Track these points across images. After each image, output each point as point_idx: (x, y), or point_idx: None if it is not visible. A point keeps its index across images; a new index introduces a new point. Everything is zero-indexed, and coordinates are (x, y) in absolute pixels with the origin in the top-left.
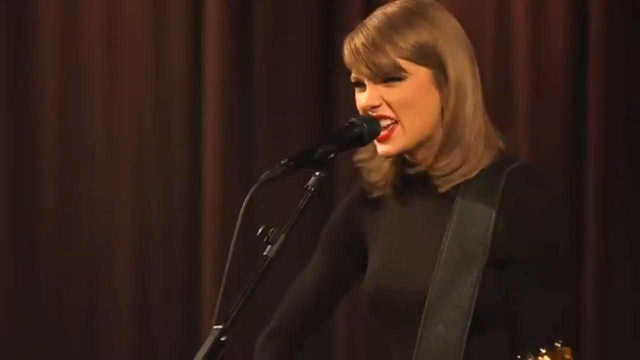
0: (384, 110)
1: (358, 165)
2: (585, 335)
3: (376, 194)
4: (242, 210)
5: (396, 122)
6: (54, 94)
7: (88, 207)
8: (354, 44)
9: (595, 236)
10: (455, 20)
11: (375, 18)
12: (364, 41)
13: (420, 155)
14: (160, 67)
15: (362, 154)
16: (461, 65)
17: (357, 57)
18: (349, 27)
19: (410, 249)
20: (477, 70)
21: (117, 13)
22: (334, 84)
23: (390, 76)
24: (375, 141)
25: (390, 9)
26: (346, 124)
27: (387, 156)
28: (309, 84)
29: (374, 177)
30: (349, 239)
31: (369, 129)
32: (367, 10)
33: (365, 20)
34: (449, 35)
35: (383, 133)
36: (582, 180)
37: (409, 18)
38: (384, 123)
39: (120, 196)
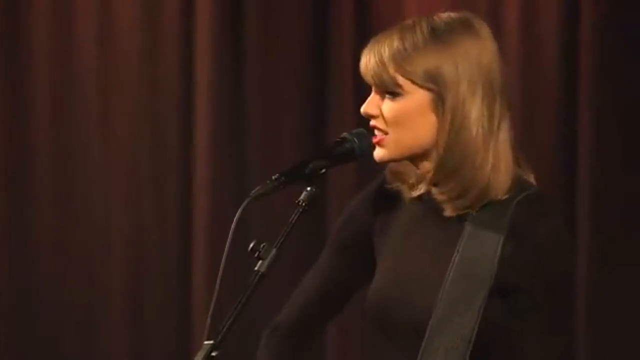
0: (378, 123)
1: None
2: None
3: (396, 185)
4: (233, 226)
5: (387, 134)
6: (47, 96)
7: (83, 219)
8: (367, 54)
9: (588, 237)
10: (486, 47)
11: (396, 32)
12: (375, 54)
13: (422, 169)
14: (152, 72)
15: None
16: (464, 96)
17: (366, 67)
18: (341, 29)
19: (417, 269)
20: (498, 100)
21: (109, 15)
22: (327, 88)
23: (389, 90)
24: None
25: (416, 24)
26: (337, 139)
27: (380, 161)
28: (301, 88)
29: (401, 168)
30: (359, 240)
31: (360, 144)
32: (360, 11)
33: (390, 31)
34: (462, 65)
35: (375, 139)
36: (575, 181)
37: (425, 41)
38: (376, 133)
39: (114, 212)
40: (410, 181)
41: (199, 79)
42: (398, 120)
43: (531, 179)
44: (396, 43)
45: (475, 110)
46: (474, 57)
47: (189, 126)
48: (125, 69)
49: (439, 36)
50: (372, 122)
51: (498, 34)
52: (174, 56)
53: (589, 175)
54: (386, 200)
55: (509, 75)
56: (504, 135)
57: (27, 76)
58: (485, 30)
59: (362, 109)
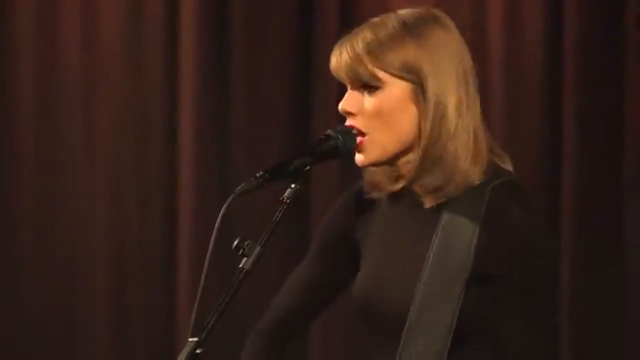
0: (357, 122)
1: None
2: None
3: (374, 194)
4: (217, 222)
5: (365, 135)
6: (30, 96)
7: (65, 221)
8: (339, 51)
9: (570, 235)
10: (452, 35)
11: (366, 28)
12: (347, 49)
13: (401, 170)
14: (137, 82)
15: None
16: (443, 84)
17: (338, 63)
18: (326, 30)
19: (397, 261)
20: (471, 88)
21: (93, 13)
22: (311, 88)
23: (367, 84)
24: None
25: (384, 19)
26: (322, 136)
27: (362, 166)
28: (285, 88)
29: (377, 178)
30: (343, 242)
31: (345, 141)
32: (344, 12)
33: (357, 30)
34: (435, 54)
35: (358, 141)
36: (559, 183)
37: (398, 33)
38: (357, 138)
39: (98, 212)
40: (388, 188)
41: (183, 78)
42: (380, 114)
43: (507, 163)
44: (369, 36)
45: (453, 98)
46: (447, 47)
47: (173, 125)
48: (109, 68)
49: (410, 29)
50: (350, 122)
51: (482, 34)
52: (159, 56)
53: (573, 178)
54: (365, 202)
55: (491, 77)
56: (478, 120)
57: (11, 75)
58: (451, 22)
59: (340, 106)
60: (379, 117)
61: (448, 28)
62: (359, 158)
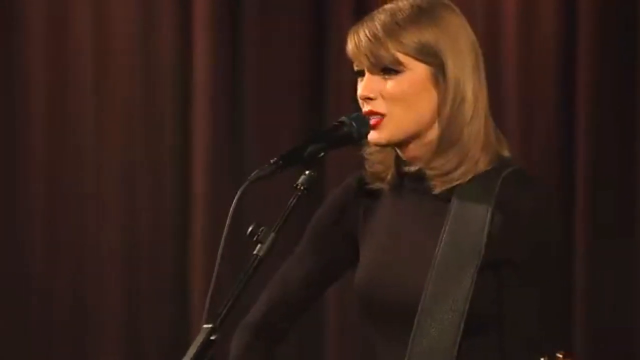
0: (377, 106)
1: (365, 155)
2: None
3: (376, 185)
4: (232, 209)
5: (384, 115)
6: (42, 84)
7: (77, 207)
8: (357, 35)
9: (584, 228)
10: (465, 22)
11: (383, 12)
12: (366, 33)
13: (414, 152)
14: (149, 68)
15: (370, 146)
16: (462, 67)
17: (358, 48)
18: (340, 26)
19: (404, 249)
20: (482, 74)
21: (105, 12)
22: (325, 82)
23: (388, 68)
24: (371, 129)
25: (400, 4)
26: (336, 123)
27: (376, 144)
28: (299, 79)
29: (378, 168)
30: (339, 232)
31: (359, 127)
32: (358, 8)
33: (372, 13)
34: (453, 37)
35: (373, 121)
36: (572, 170)
37: (415, 16)
38: (373, 119)
39: (110, 195)
40: (389, 177)
41: (196, 65)
42: (401, 97)
43: (506, 149)
44: (388, 20)
45: (470, 83)
46: (463, 32)
47: (186, 122)
48: (121, 53)
49: (427, 12)
50: (369, 107)
51: (496, 26)
52: (171, 43)
53: (586, 170)
54: (365, 192)
55: (505, 70)
56: (487, 107)
57: (22, 63)
58: (459, 10)
59: (360, 92)
60: (400, 100)
61: (459, 15)
62: (373, 136)
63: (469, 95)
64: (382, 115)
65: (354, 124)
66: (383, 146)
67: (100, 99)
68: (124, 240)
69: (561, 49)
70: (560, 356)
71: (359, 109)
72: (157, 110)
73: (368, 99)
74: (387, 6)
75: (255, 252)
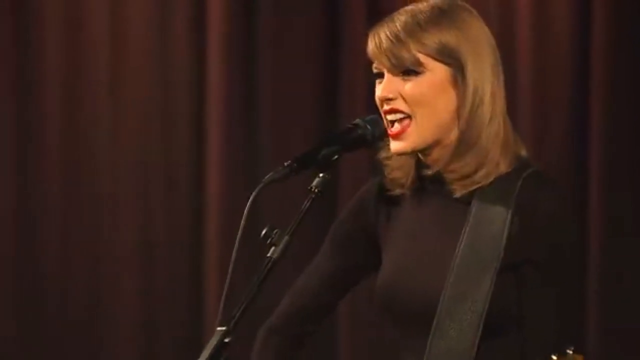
0: (398, 104)
1: (382, 161)
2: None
3: (397, 191)
4: (246, 212)
5: (409, 117)
6: (57, 85)
7: (92, 207)
8: (378, 35)
9: (598, 228)
10: (484, 25)
11: (404, 13)
12: (387, 33)
13: (434, 155)
14: (164, 67)
15: (387, 151)
16: (481, 70)
17: (379, 48)
18: (354, 25)
19: (425, 251)
20: (501, 76)
21: (121, 12)
22: (339, 86)
23: (409, 69)
24: (390, 138)
25: (420, 6)
26: (349, 125)
27: (399, 153)
28: (313, 84)
29: (397, 174)
30: (361, 237)
31: (373, 130)
32: (372, 18)
33: (392, 15)
34: (473, 40)
35: (396, 129)
36: (586, 170)
37: (436, 17)
38: (394, 117)
39: (125, 196)
40: (409, 183)
41: (211, 79)
42: (422, 99)
43: (523, 150)
44: (410, 21)
45: (489, 86)
46: (483, 35)
47: (200, 125)
48: (135, 54)
49: (448, 14)
50: (390, 105)
51: (509, 26)
52: (186, 42)
53: (600, 169)
54: (386, 197)
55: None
56: (505, 110)
57: (38, 66)
58: (476, 12)
59: (379, 94)
60: (420, 101)
61: (479, 17)
62: (397, 146)
63: (488, 97)
64: (406, 117)
65: (368, 127)
66: (404, 154)
67: (116, 100)
68: (139, 240)
69: (575, 50)
70: (570, 352)
71: (372, 109)
72: (171, 110)
73: (388, 99)
74: (408, 7)
75: (269, 254)
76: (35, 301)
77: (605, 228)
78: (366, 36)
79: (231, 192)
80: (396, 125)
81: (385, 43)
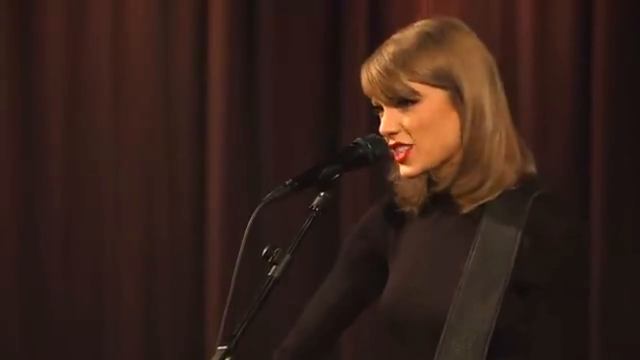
0: (401, 138)
1: (392, 181)
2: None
3: (407, 208)
4: (247, 230)
5: (412, 145)
6: (60, 94)
7: (95, 208)
8: (369, 71)
9: (600, 244)
10: (475, 39)
11: (391, 43)
12: (378, 68)
13: (443, 173)
14: (166, 68)
15: (396, 171)
16: (478, 86)
17: (372, 84)
18: (356, 30)
19: (433, 267)
20: (499, 87)
21: (123, 12)
22: (341, 85)
23: (405, 99)
24: (398, 163)
25: (406, 33)
26: (351, 144)
27: (409, 177)
28: (315, 84)
29: (409, 193)
30: (370, 258)
31: (374, 149)
32: (373, 20)
33: (381, 47)
34: (464, 57)
35: (400, 156)
36: (588, 183)
37: (424, 43)
38: (401, 149)
39: (127, 197)
40: (420, 201)
41: (212, 93)
42: (424, 126)
43: (532, 164)
44: (397, 51)
45: (487, 99)
46: (474, 50)
47: (201, 140)
48: (138, 62)
49: (435, 37)
50: (394, 140)
51: (511, 32)
52: (188, 51)
53: (602, 174)
54: (395, 215)
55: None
56: (509, 120)
57: (40, 73)
58: (468, 27)
59: (382, 129)
60: (423, 129)
61: (468, 33)
62: (405, 170)
63: (487, 112)
64: (409, 146)
65: (369, 146)
66: (413, 178)
67: (118, 101)
68: (141, 240)
69: (577, 59)
70: None
71: (374, 123)
72: (174, 111)
73: (391, 133)
74: (395, 36)
75: (269, 273)
76: (38, 301)
77: (607, 244)
78: (366, 40)
79: (233, 192)
80: (400, 151)
81: (376, 78)
